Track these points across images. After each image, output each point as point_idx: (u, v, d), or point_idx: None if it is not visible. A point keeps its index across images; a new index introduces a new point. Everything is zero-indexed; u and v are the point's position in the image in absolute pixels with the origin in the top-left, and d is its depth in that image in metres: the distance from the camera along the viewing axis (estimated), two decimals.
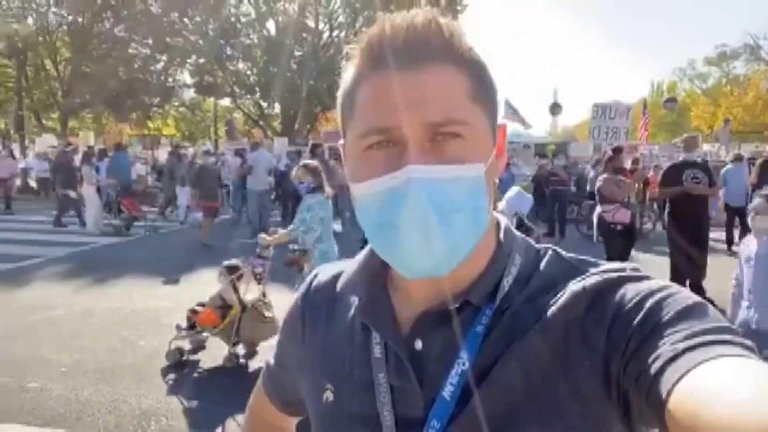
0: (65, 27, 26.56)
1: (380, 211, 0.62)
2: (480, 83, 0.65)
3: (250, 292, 4.81)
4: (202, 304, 4.88)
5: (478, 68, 0.65)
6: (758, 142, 23.59)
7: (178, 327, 4.78)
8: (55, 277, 7.77)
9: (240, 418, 3.76)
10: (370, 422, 0.69)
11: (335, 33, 27.59)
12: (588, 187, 13.95)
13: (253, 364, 4.76)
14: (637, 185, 9.75)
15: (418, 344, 0.68)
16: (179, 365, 4.66)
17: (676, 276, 6.59)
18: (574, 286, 0.64)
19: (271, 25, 27.23)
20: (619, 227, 6.58)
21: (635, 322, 0.58)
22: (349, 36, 26.10)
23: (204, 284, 7.40)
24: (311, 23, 27.00)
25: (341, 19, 27.30)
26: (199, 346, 4.96)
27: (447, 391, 0.64)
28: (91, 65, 25.61)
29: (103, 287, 7.20)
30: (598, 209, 6.79)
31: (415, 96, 0.60)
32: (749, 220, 3.69)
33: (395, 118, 0.60)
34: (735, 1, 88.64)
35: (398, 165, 0.60)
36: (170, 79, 28.89)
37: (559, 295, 0.64)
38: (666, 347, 0.53)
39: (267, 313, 4.82)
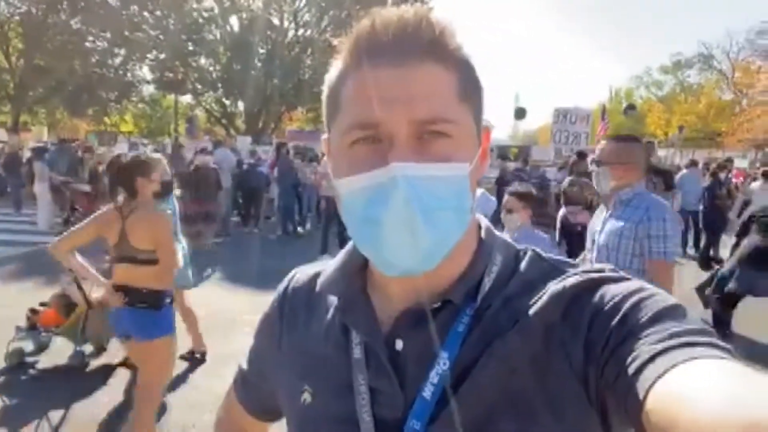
0: (18, 17, 25.52)
1: (364, 208, 0.61)
2: (468, 83, 0.64)
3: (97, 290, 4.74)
4: (44, 304, 4.78)
5: (467, 68, 0.65)
6: (710, 149, 24.53)
7: (18, 328, 4.62)
8: (4, 275, 7.45)
9: (82, 416, 3.72)
10: (348, 424, 0.68)
11: (300, 31, 27.34)
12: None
13: (98, 362, 4.70)
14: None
15: (399, 344, 0.68)
16: (21, 366, 4.49)
17: None
18: (554, 286, 0.64)
19: (234, 21, 26.84)
20: (579, 228, 6.73)
21: (613, 323, 0.58)
22: (315, 35, 25.96)
23: None
24: (276, 21, 26.69)
25: (307, 17, 27.07)
26: (42, 347, 4.75)
27: (427, 392, 0.64)
28: (45, 58, 24.67)
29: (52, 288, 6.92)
30: (562, 211, 6.92)
31: (402, 92, 0.59)
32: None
33: (382, 114, 0.59)
34: (691, 11, 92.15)
35: (383, 161, 0.59)
36: (129, 74, 28.10)
37: (539, 296, 0.64)
38: (644, 348, 0.53)
39: None
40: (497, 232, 0.75)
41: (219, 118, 29.34)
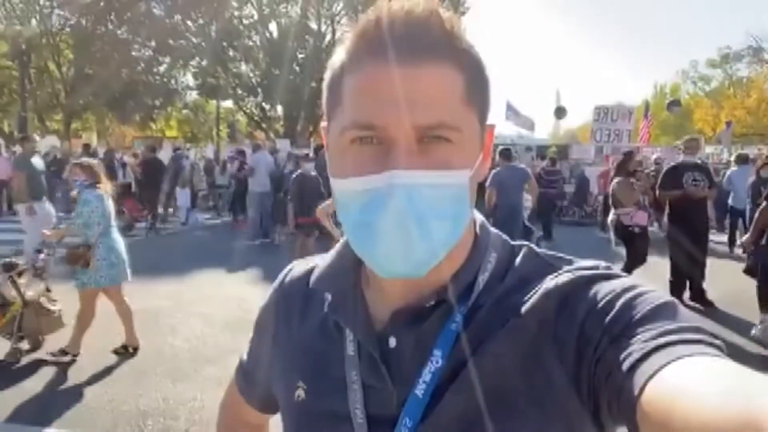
0: (68, 29, 26.64)
1: (360, 211, 0.60)
2: (476, 84, 0.63)
3: (32, 287, 4.90)
4: None
5: (476, 67, 0.63)
6: (761, 145, 23.52)
7: None
8: (54, 276, 7.79)
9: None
10: (341, 421, 0.68)
11: (338, 35, 27.60)
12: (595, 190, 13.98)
13: (35, 356, 4.80)
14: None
15: (392, 342, 0.68)
16: None
17: (677, 278, 6.58)
18: (547, 283, 0.64)
19: (273, 27, 27.28)
20: (636, 230, 6.58)
21: (607, 320, 0.58)
22: None
23: (203, 284, 7.45)
24: (313, 25, 27.03)
25: (344, 21, 27.31)
26: None
27: (420, 389, 0.64)
28: (93, 67, 25.67)
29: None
30: (613, 213, 6.75)
31: (407, 95, 0.57)
32: None
33: (384, 116, 0.58)
34: (738, 2, 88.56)
35: (383, 166, 0.58)
36: (173, 81, 28.95)
37: (532, 293, 0.64)
38: (637, 345, 0.53)
39: (51, 307, 5.01)
40: (492, 229, 0.74)
41: (259, 123, 29.88)
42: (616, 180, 6.89)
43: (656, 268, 6.91)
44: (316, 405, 0.72)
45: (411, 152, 0.58)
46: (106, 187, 4.87)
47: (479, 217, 0.74)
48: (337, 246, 0.77)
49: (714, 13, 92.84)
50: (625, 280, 0.62)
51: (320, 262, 0.79)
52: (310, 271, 0.81)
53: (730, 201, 10.35)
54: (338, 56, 0.64)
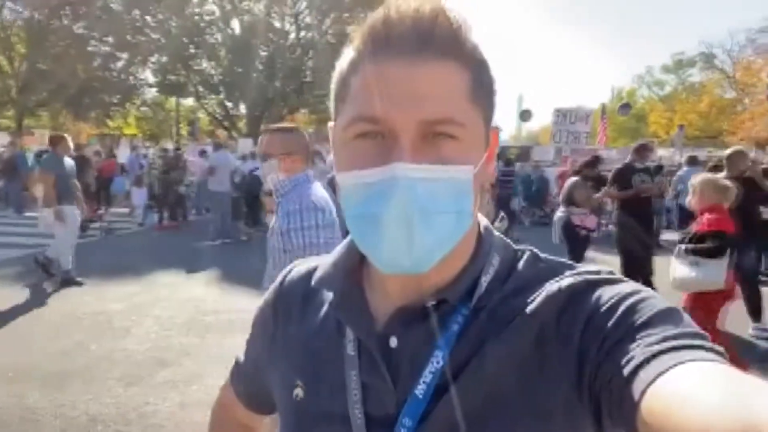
0: (20, 23, 25.70)
1: (363, 204, 0.60)
2: (481, 83, 0.63)
3: None
4: None
5: (482, 67, 0.63)
6: (711, 147, 24.44)
7: None
8: (7, 278, 7.51)
9: None
10: (340, 420, 0.68)
11: (302, 34, 27.42)
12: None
13: None
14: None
15: (393, 341, 0.67)
16: None
17: (627, 273, 6.78)
18: (550, 287, 0.64)
19: (236, 24, 26.94)
20: (583, 232, 6.73)
21: (609, 324, 0.58)
22: (316, 37, 26.02)
23: (160, 286, 7.30)
24: (277, 24, 26.79)
25: (308, 20, 27.15)
26: None
27: (420, 390, 0.63)
28: (48, 62, 24.83)
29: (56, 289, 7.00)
30: (562, 211, 6.87)
31: (413, 90, 0.58)
32: None
33: (390, 111, 0.58)
34: (692, 10, 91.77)
35: (387, 159, 0.58)
36: (131, 78, 28.24)
37: (534, 296, 0.64)
38: (639, 350, 0.53)
39: None
40: (496, 232, 0.75)
41: (221, 121, 29.43)
42: (573, 180, 7.01)
43: (607, 264, 7.07)
44: (315, 404, 0.71)
45: (415, 147, 0.58)
46: None
47: (483, 220, 0.74)
48: (341, 245, 0.77)
49: (668, 20, 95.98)
50: (628, 286, 0.62)
51: (322, 261, 0.79)
52: (311, 271, 0.80)
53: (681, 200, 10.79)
54: (346, 55, 0.64)
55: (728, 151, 6.12)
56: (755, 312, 5.64)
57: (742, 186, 5.37)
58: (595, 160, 7.42)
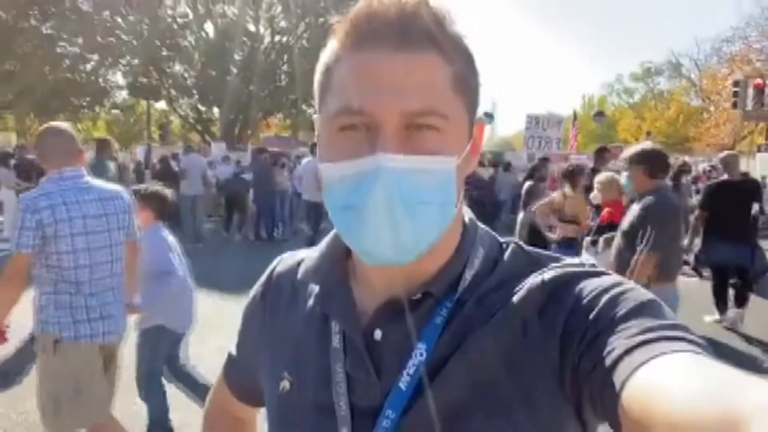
0: None
1: (347, 195, 0.60)
2: (465, 75, 0.63)
3: None
4: None
5: (466, 59, 0.64)
6: (677, 154, 25.05)
7: None
8: None
9: None
10: (325, 412, 0.68)
11: (277, 38, 27.25)
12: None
13: None
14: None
15: (378, 334, 0.68)
16: None
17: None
18: (533, 279, 0.65)
19: (209, 27, 26.65)
20: (553, 238, 6.84)
21: (591, 316, 0.59)
22: (291, 41, 25.89)
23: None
24: (252, 27, 26.58)
25: (283, 24, 27.01)
26: None
27: (403, 382, 0.64)
28: (14, 63, 24.20)
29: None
30: (547, 224, 6.96)
31: (396, 82, 0.58)
32: None
33: (373, 102, 0.58)
34: (660, 20, 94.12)
35: (370, 150, 0.58)
36: (101, 80, 27.66)
37: (518, 289, 0.65)
38: (620, 341, 0.54)
39: None
40: (481, 225, 0.75)
41: (194, 125, 29.04)
42: (528, 184, 7.30)
43: None
44: (301, 396, 0.72)
45: (398, 138, 0.59)
46: None
47: (468, 213, 0.74)
48: (326, 239, 0.77)
49: (638, 30, 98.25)
50: (610, 278, 0.63)
51: (309, 254, 0.79)
52: (298, 264, 0.81)
53: None
54: (329, 48, 0.64)
55: (723, 155, 6.37)
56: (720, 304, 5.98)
57: (742, 186, 5.87)
58: (579, 170, 7.54)
